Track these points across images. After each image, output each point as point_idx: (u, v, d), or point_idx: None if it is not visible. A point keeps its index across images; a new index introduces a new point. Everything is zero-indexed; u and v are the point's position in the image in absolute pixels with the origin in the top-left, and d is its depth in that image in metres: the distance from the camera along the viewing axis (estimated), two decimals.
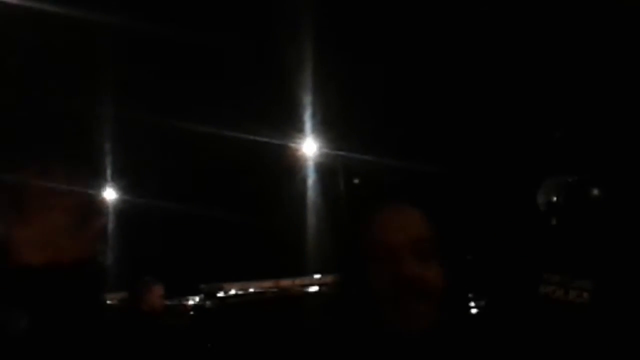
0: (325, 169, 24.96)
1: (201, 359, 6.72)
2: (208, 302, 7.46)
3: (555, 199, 3.53)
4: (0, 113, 24.81)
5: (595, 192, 3.50)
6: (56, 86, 24.46)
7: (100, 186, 28.57)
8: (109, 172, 28.83)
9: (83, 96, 24.71)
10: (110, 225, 29.72)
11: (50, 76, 24.50)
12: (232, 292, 7.61)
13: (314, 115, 24.44)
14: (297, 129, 24.63)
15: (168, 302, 7.09)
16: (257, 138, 24.25)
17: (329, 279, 9.04)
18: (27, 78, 24.12)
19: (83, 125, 26.70)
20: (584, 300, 3.32)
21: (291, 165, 25.30)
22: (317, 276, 9.35)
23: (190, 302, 7.59)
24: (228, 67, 25.55)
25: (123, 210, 29.37)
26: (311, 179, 25.68)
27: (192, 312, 7.64)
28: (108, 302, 6.67)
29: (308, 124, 24.65)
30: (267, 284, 8.12)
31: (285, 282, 8.23)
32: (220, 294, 7.50)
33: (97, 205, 2.18)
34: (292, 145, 24.62)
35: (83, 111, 25.76)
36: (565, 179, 3.62)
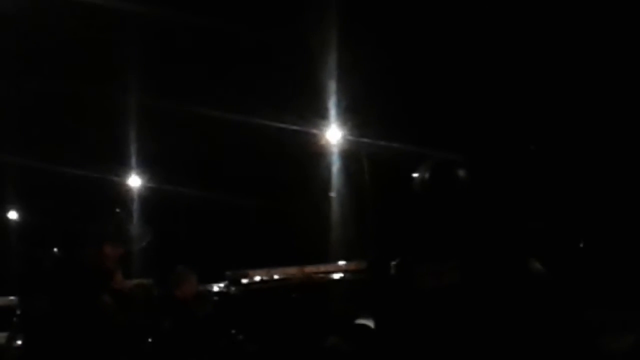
0: (349, 156, 24.92)
1: (226, 344, 6.76)
2: (233, 289, 7.49)
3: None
4: (22, 100, 24.95)
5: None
6: (83, 74, 24.56)
7: (125, 173, 28.73)
8: (134, 159, 28.94)
9: (109, 85, 24.80)
10: (136, 212, 29.85)
11: (76, 64, 24.60)
12: (257, 278, 7.62)
13: (338, 103, 24.40)
14: (321, 116, 24.60)
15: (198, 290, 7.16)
16: (282, 125, 24.25)
17: (353, 265, 9.02)
18: (52, 66, 24.24)
19: (109, 114, 26.80)
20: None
21: (316, 152, 25.28)
22: (341, 263, 9.34)
23: (215, 289, 7.62)
24: (253, 55, 25.55)
25: (148, 197, 29.49)
26: (335, 166, 25.66)
27: (216, 299, 7.67)
28: (138, 287, 6.70)
29: (332, 111, 24.61)
30: (292, 271, 8.13)
31: (310, 269, 8.23)
32: (245, 281, 7.52)
33: None
34: (317, 132, 24.59)
35: (109, 99, 25.86)
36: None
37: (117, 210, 4.00)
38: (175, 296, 6.77)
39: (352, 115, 24.08)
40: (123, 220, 4.14)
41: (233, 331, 6.92)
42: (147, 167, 29.14)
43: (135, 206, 29.78)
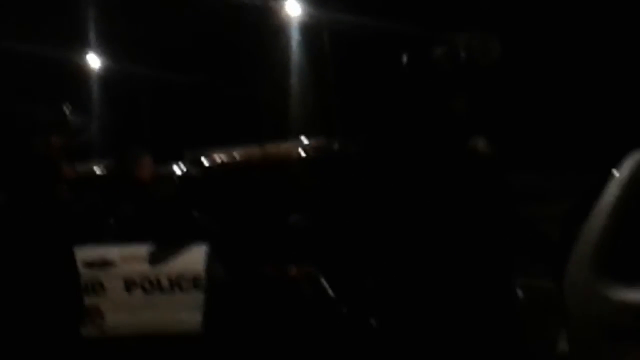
0: (309, 29, 24.65)
1: (188, 226, 6.74)
2: (193, 169, 7.41)
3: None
4: None
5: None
6: None
7: (83, 53, 28.26)
8: (92, 39, 28.53)
9: None
10: (95, 93, 29.56)
11: None
12: (218, 158, 7.54)
13: None
14: None
15: (155, 171, 7.07)
16: None
17: (314, 142, 8.97)
18: None
19: None
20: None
21: (275, 26, 24.99)
22: (303, 139, 9.28)
23: (175, 169, 7.53)
24: None
25: (107, 77, 29.17)
26: (295, 40, 25.42)
27: (176, 179, 7.60)
28: (97, 172, 6.59)
29: None
30: (253, 150, 8.05)
31: (271, 147, 8.16)
32: (205, 160, 7.44)
33: None
34: (275, 5, 24.28)
35: None
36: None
37: (62, 103, 3.91)
38: (130, 178, 6.66)
39: None
40: (66, 112, 4.05)
41: (195, 212, 6.88)
42: (106, 46, 28.77)
43: (94, 87, 29.50)
